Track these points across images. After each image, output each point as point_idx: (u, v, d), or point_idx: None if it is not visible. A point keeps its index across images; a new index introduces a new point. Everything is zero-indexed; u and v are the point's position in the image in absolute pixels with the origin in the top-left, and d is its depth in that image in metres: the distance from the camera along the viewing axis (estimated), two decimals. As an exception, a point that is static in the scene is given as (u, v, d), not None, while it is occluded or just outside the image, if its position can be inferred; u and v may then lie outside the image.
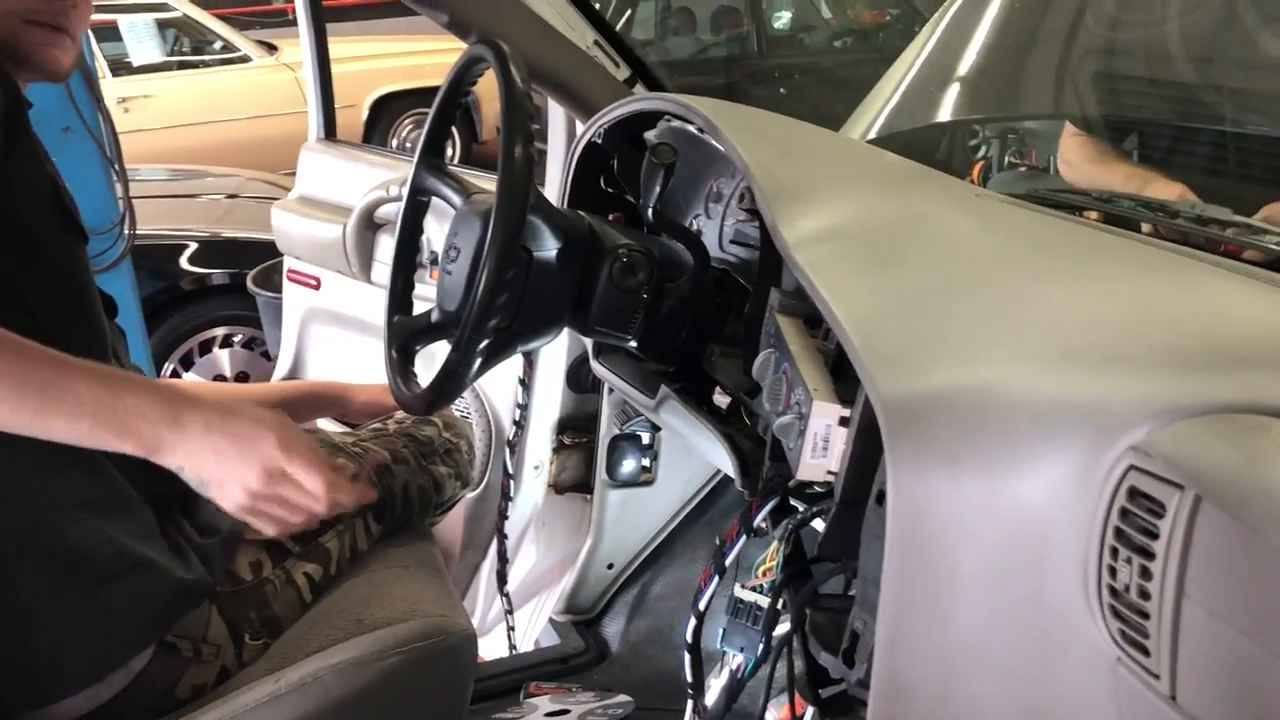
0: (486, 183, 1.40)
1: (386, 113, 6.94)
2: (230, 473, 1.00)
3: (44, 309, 1.07)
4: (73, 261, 1.13)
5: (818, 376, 0.88)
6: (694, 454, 1.91)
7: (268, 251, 3.51)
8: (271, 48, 7.02)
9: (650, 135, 1.47)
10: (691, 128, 1.34)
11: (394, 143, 7.05)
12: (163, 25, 6.80)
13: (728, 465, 1.23)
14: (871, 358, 0.80)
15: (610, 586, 1.96)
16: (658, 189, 1.17)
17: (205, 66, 6.82)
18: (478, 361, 1.17)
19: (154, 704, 1.15)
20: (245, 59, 6.83)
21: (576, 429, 1.99)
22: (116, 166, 2.38)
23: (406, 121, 7.08)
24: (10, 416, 0.89)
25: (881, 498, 0.78)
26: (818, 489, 1.07)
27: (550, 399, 1.95)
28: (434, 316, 1.33)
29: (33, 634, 1.08)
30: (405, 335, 1.34)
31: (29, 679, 1.09)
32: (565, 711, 1.57)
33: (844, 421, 0.85)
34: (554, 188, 1.76)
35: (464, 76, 1.32)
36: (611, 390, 1.83)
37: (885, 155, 1.32)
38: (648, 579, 1.93)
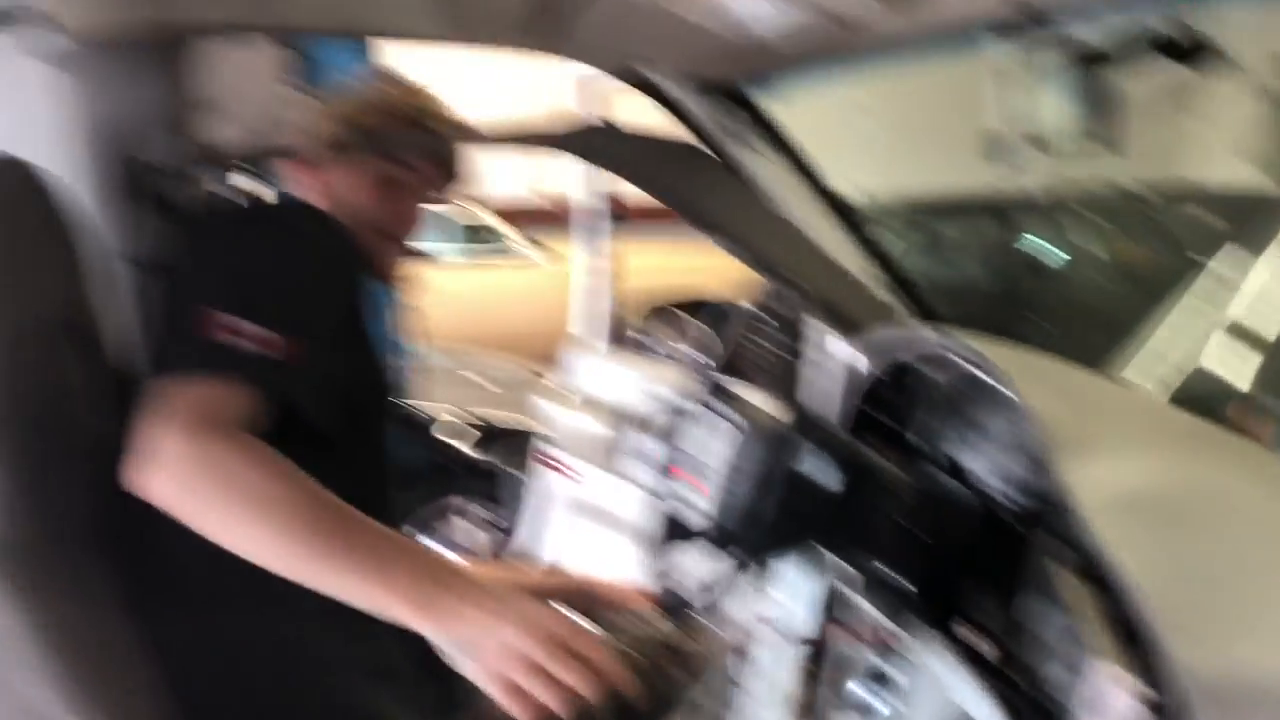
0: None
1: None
2: (490, 634, 0.96)
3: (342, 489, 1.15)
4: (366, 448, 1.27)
5: (1107, 643, 0.85)
6: (941, 697, 1.82)
7: (515, 434, 3.70)
8: (547, 248, 7.56)
9: (928, 371, 1.49)
10: (974, 370, 1.35)
11: (659, 350, 7.32)
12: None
13: (986, 713, 1.17)
14: (1174, 633, 0.76)
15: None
16: (954, 434, 1.18)
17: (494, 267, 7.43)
18: (738, 580, 1.19)
19: None
20: (524, 258, 7.41)
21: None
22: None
23: (668, 327, 7.36)
24: (289, 564, 0.99)
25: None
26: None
27: (804, 623, 1.92)
28: (702, 527, 1.36)
29: None
30: (669, 540, 1.38)
31: None
32: None
33: (1138, 696, 0.80)
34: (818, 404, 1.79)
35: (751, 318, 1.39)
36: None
37: (1173, 411, 1.28)
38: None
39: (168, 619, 1.12)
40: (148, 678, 1.08)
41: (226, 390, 1.04)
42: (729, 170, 1.58)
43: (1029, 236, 6.52)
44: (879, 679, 1.81)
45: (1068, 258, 6.49)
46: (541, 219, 9.20)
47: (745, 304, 1.76)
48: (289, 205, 1.37)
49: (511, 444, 3.39)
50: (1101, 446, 1.09)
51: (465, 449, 3.68)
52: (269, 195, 1.52)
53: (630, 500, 2.29)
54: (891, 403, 1.52)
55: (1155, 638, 0.77)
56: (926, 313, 1.72)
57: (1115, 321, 5.86)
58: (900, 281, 1.70)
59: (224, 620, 1.14)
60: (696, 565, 1.70)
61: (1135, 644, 0.88)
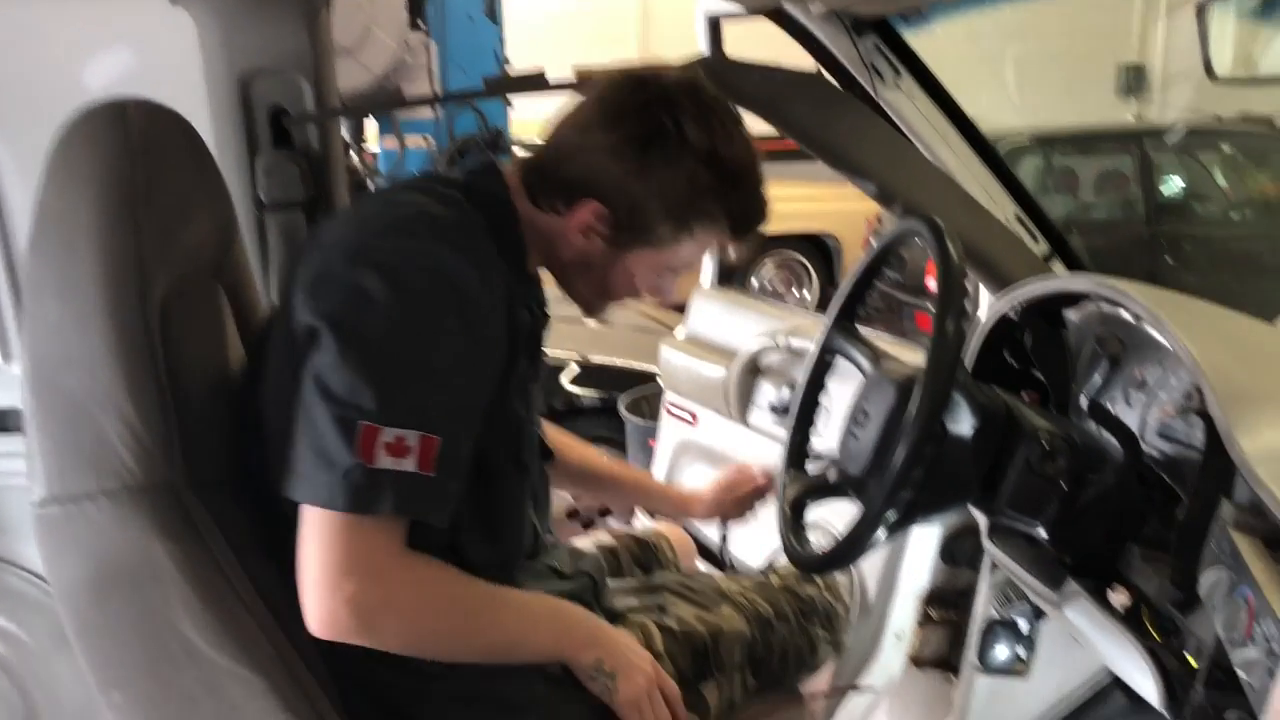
0: (894, 349, 1.42)
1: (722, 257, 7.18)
2: (634, 666, 1.22)
3: (472, 542, 1.17)
4: (506, 495, 1.23)
5: (1292, 610, 0.80)
6: (1075, 652, 1.78)
7: (636, 379, 3.71)
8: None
9: (1072, 315, 1.43)
10: (1124, 314, 1.29)
11: (754, 283, 7.28)
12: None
13: (1143, 680, 1.13)
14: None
15: (969, 777, 1.84)
16: (1098, 379, 1.13)
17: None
18: (883, 531, 1.16)
19: None
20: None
21: (944, 603, 1.91)
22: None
23: (768, 261, 7.30)
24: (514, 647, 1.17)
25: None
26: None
27: (920, 567, 1.89)
28: (832, 476, 1.34)
29: None
30: (800, 491, 1.36)
31: None
32: None
33: (1328, 668, 0.76)
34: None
35: (894, 248, 1.35)
36: (994, 569, 1.75)
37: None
38: (1011, 776, 1.79)
39: None
40: (290, 619, 1.11)
41: (394, 522, 1.04)
42: (870, 107, 1.52)
43: (1173, 177, 6.25)
44: (1013, 632, 1.78)
45: (1214, 199, 6.20)
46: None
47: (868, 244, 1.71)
48: (457, 214, 1.16)
49: (634, 390, 3.39)
50: (1271, 400, 1.02)
51: (589, 395, 3.71)
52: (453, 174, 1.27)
53: (753, 446, 2.28)
54: (1034, 351, 1.46)
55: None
56: (1071, 260, 1.65)
57: (1248, 260, 5.59)
58: (1045, 227, 1.63)
59: None
60: (828, 515, 1.68)
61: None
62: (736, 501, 1.68)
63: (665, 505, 1.74)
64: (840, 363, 1.41)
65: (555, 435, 1.54)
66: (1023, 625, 1.75)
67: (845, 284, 1.41)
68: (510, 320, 1.12)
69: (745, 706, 1.38)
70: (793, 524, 1.34)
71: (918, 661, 1.93)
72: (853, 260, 7.23)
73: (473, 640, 1.13)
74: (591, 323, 4.51)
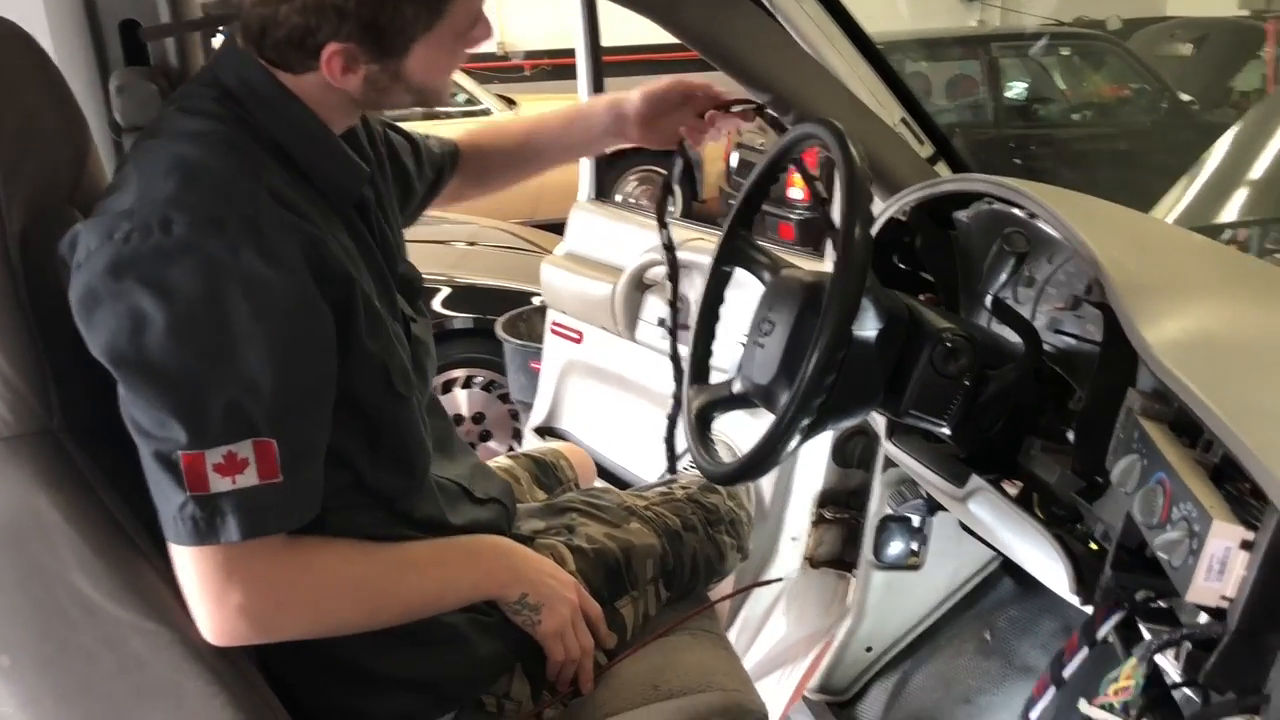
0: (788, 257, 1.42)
1: (612, 169, 7.14)
2: (557, 595, 1.21)
3: (377, 475, 1.12)
4: (398, 423, 1.15)
5: (1210, 493, 0.83)
6: (965, 543, 1.85)
7: (509, 299, 3.65)
8: (511, 103, 7.35)
9: (961, 216, 1.45)
10: (1017, 212, 1.31)
11: (617, 199, 7.24)
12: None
13: (1049, 566, 1.17)
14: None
15: (868, 670, 1.91)
16: (1004, 276, 1.14)
17: (448, 117, 7.20)
18: (797, 438, 1.16)
19: None
20: (486, 112, 7.18)
21: (837, 504, 1.95)
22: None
23: (631, 177, 7.26)
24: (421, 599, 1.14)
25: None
26: (1161, 607, 1.02)
27: (814, 470, 1.93)
28: (736, 387, 1.33)
29: (357, 684, 1.15)
30: (706, 404, 1.35)
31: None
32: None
33: (1245, 545, 0.79)
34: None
35: (789, 153, 1.33)
36: (887, 469, 1.80)
37: (1231, 251, 1.25)
38: (908, 667, 1.87)
39: None
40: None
41: (254, 544, 0.97)
42: (760, 11, 1.49)
43: (1017, 81, 6.42)
44: (907, 527, 1.83)
45: (1056, 101, 6.41)
46: (497, 71, 8.96)
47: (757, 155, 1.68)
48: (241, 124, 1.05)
49: (511, 312, 3.34)
50: (1175, 290, 1.05)
51: (462, 317, 3.63)
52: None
53: (642, 361, 2.27)
54: (924, 253, 1.48)
55: (1267, 485, 0.75)
56: (955, 162, 1.67)
57: (1090, 158, 5.81)
58: (930, 130, 1.64)
59: None
60: (723, 427, 1.69)
61: (1224, 486, 0.87)
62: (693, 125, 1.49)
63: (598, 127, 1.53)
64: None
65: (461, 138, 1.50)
66: (916, 521, 1.81)
67: (742, 193, 1.39)
68: (322, 264, 1.01)
69: (659, 618, 1.39)
70: (701, 437, 1.33)
71: (813, 561, 1.98)
72: (714, 172, 7.25)
73: (385, 610, 1.10)
74: (459, 244, 4.41)
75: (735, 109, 1.47)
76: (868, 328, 1.21)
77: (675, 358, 1.61)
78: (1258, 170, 1.74)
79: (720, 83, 1.49)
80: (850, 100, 1.54)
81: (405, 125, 1.40)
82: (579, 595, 1.25)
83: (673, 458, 1.67)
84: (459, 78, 7.24)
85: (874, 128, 1.56)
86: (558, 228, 5.37)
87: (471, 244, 4.45)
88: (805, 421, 1.14)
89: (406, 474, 1.17)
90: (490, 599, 1.20)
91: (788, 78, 1.49)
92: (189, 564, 0.98)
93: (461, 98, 7.26)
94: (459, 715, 1.20)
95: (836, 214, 1.71)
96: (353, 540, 1.09)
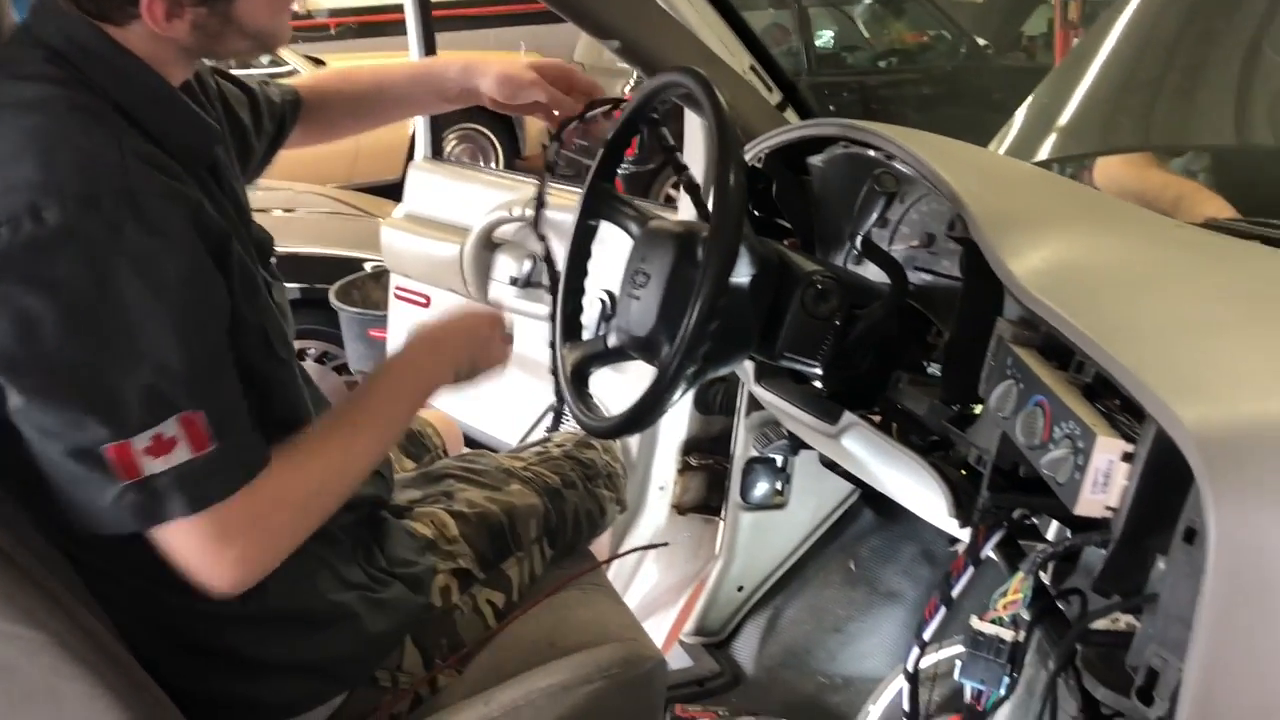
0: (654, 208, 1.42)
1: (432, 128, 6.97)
2: (477, 348, 1.25)
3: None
4: (286, 389, 1.13)
5: (1090, 411, 0.88)
6: (826, 480, 1.91)
7: (339, 266, 3.53)
8: (319, 62, 7.07)
9: (816, 161, 1.48)
10: (872, 153, 1.34)
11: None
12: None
13: (925, 494, 1.22)
14: (1163, 390, 0.79)
15: (740, 609, 1.96)
16: (874, 216, 1.17)
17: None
18: (682, 387, 1.17)
19: None
20: (293, 73, 6.87)
21: (702, 450, 1.98)
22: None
23: (450, 137, 7.11)
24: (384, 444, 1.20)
25: (1190, 535, 0.78)
26: (1034, 524, 1.08)
27: (678, 420, 1.95)
28: (612, 341, 1.33)
29: (241, 672, 1.10)
30: (581, 359, 1.35)
31: (233, 708, 1.11)
32: (733, 737, 1.57)
33: (1126, 457, 0.84)
34: (690, 210, 1.76)
35: (651, 102, 1.32)
36: (750, 412, 1.83)
37: (1072, 183, 1.32)
38: (779, 603, 1.92)
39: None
40: (57, 567, 0.99)
41: (205, 516, 0.94)
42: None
43: (825, 30, 6.59)
44: (771, 468, 1.88)
45: (862, 48, 6.62)
46: (306, 29, 8.61)
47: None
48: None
49: (323, 275, 3.23)
50: (1032, 222, 1.10)
51: (289, 287, 3.49)
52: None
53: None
54: (780, 198, 1.51)
55: (1142, 397, 0.80)
56: (802, 108, 1.70)
57: (896, 103, 6.04)
58: (777, 77, 1.66)
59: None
60: (604, 384, 1.68)
61: (1096, 404, 0.92)
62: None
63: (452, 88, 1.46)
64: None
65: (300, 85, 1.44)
66: (780, 461, 1.86)
67: (604, 146, 1.38)
68: (205, 229, 0.97)
69: (545, 577, 1.38)
70: (578, 393, 1.33)
71: (680, 508, 2.01)
72: (536, 131, 7.18)
73: (360, 471, 1.11)
74: (277, 211, 4.23)
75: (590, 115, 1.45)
76: (741, 274, 1.23)
77: (555, 316, 1.60)
78: (1071, 108, 1.84)
79: (571, 33, 1.47)
80: (699, 48, 1.54)
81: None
82: (484, 322, 1.27)
83: (558, 417, 1.67)
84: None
85: (724, 75, 1.57)
86: (378, 191, 5.25)
87: (289, 210, 4.28)
88: (690, 369, 1.15)
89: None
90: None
91: (637, 26, 1.49)
92: (169, 543, 0.95)
93: (265, 59, 6.93)
94: (353, 693, 1.17)
95: (693, 163, 1.73)
96: (295, 443, 1.05)
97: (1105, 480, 0.85)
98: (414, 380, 1.18)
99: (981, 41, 6.70)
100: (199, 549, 0.95)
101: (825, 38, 6.85)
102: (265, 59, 6.90)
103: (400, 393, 1.16)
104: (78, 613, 0.95)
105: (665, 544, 1.95)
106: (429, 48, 2.41)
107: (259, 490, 0.98)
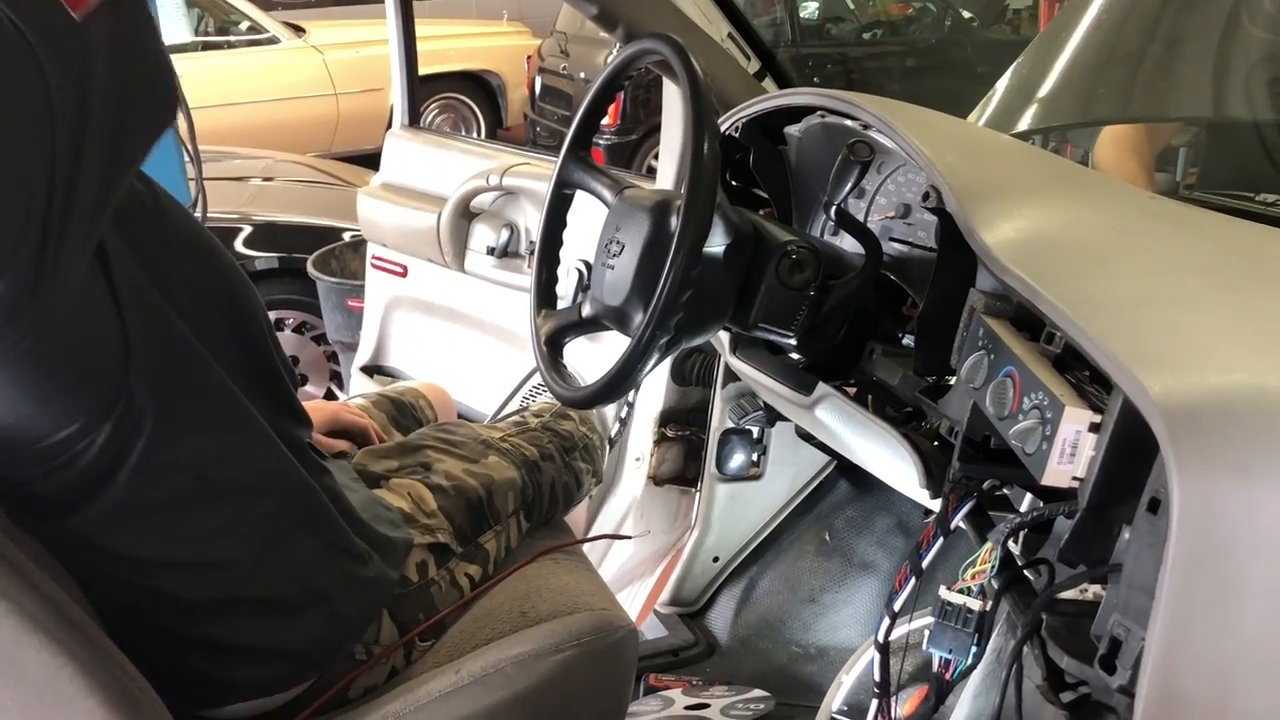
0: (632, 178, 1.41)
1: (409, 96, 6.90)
2: None
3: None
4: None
5: (1058, 381, 0.88)
6: (801, 450, 1.91)
7: (317, 235, 3.50)
8: (299, 30, 6.98)
9: (793, 130, 1.47)
10: (849, 124, 1.33)
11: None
12: (189, 4, 6.77)
13: (896, 464, 1.22)
14: (1131, 361, 0.79)
15: (715, 579, 1.97)
16: (849, 186, 1.17)
17: (231, 48, 6.79)
18: (655, 357, 1.17)
19: (328, 705, 1.15)
20: (273, 40, 6.80)
21: (678, 422, 1.98)
22: (190, 149, 2.36)
23: (432, 106, 7.05)
24: None
25: (1154, 505, 0.78)
26: (1004, 494, 1.08)
27: (654, 392, 1.95)
28: (586, 311, 1.32)
29: (216, 656, 1.09)
30: (555, 328, 1.34)
31: (205, 687, 1.10)
32: (705, 705, 1.57)
33: (1094, 427, 0.84)
34: (669, 179, 1.76)
35: (626, 70, 1.31)
36: (726, 384, 1.83)
37: (1050, 155, 1.32)
38: (754, 573, 1.93)
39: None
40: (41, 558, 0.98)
41: None
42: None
43: (810, 1, 6.54)
44: (747, 439, 1.88)
45: (847, 20, 6.58)
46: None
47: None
48: None
49: (301, 244, 3.20)
50: (1007, 194, 1.10)
51: (266, 257, 3.46)
52: None
53: (472, 291, 2.22)
54: (757, 168, 1.50)
55: (1111, 368, 0.80)
56: (780, 77, 1.69)
57: (883, 75, 6.02)
58: (755, 45, 1.65)
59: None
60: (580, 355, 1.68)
61: (1066, 375, 0.92)
62: None
63: None
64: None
65: None
66: (756, 432, 1.86)
67: (578, 114, 1.36)
68: None
69: (520, 548, 1.38)
70: (552, 362, 1.32)
71: (656, 479, 2.01)
72: (517, 98, 7.13)
73: None
74: (254, 180, 4.19)
75: None
76: (715, 244, 1.22)
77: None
78: (1050, 80, 1.83)
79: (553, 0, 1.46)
80: (677, 14, 1.53)
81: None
82: None
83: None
84: (239, 3, 6.82)
85: (701, 43, 1.56)
86: (357, 160, 5.20)
87: (268, 179, 4.24)
88: (663, 339, 1.15)
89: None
90: None
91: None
92: None
93: (245, 25, 6.85)
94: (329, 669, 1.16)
95: (671, 131, 1.72)
96: None
97: (1073, 451, 0.85)
98: None
99: (967, 14, 6.68)
100: None
101: (810, 9, 6.81)
102: (244, 25, 6.82)
103: None
104: (42, 582, 0.95)
105: (647, 533, 1.96)
106: (407, 15, 2.38)
107: None
